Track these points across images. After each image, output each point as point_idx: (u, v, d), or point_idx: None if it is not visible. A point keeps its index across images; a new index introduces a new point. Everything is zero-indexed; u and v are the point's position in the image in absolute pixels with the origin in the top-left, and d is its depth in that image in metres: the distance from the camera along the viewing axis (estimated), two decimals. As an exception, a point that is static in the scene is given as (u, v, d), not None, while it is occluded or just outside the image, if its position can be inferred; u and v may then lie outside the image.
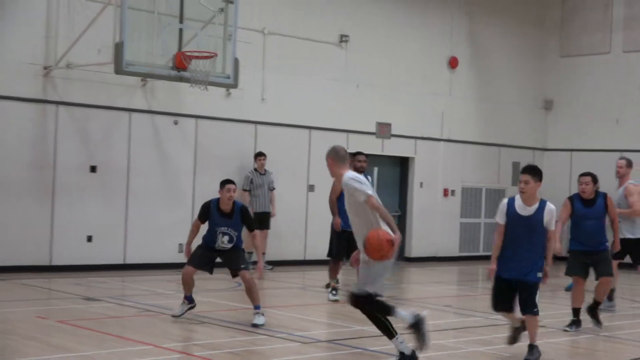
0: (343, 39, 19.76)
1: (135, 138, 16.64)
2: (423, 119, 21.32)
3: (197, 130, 17.36)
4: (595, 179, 11.64)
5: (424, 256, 21.31)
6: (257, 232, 11.35)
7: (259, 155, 17.36)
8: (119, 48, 14.41)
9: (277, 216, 17.52)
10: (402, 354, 8.18)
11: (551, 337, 10.52)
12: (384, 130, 20.48)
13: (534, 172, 9.12)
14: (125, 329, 10.28)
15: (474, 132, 22.48)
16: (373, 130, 20.31)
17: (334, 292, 13.31)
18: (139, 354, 8.78)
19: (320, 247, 15.63)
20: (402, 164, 21.39)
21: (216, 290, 13.86)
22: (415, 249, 21.29)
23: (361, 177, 8.65)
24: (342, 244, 13.23)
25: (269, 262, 17.23)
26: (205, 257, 11.01)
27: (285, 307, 12.57)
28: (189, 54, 15.08)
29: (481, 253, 22.45)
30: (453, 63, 21.91)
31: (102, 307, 11.98)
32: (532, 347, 9.01)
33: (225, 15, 15.66)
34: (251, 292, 10.68)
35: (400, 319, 8.25)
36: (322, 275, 15.21)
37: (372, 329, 10.83)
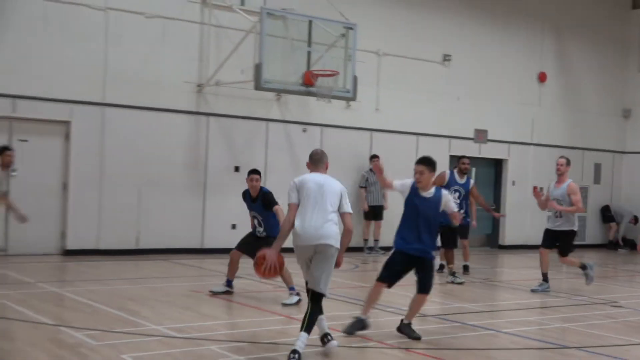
0: (446, 57, 19.63)
1: (271, 143, 16.94)
2: (515, 125, 21.00)
3: (322, 136, 17.56)
4: None
5: (516, 244, 21.01)
6: (277, 207, 10.48)
7: (374, 157, 17.40)
8: (258, 68, 14.68)
9: (390, 209, 17.51)
10: (295, 351, 7.11)
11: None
12: (481, 136, 20.28)
13: (427, 162, 8.56)
14: (261, 302, 10.51)
15: (560, 137, 22.00)
16: (471, 136, 20.14)
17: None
18: (273, 323, 8.99)
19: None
20: (497, 165, 21.12)
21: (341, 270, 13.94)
22: (508, 238, 21.02)
23: (300, 181, 7.69)
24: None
25: (382, 248, 17.28)
26: (249, 244, 10.65)
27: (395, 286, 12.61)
28: (315, 72, 15.21)
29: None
30: (542, 77, 21.51)
31: (242, 283, 12.26)
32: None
33: (346, 40, 15.72)
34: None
35: (317, 326, 7.60)
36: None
37: (471, 305, 10.84)
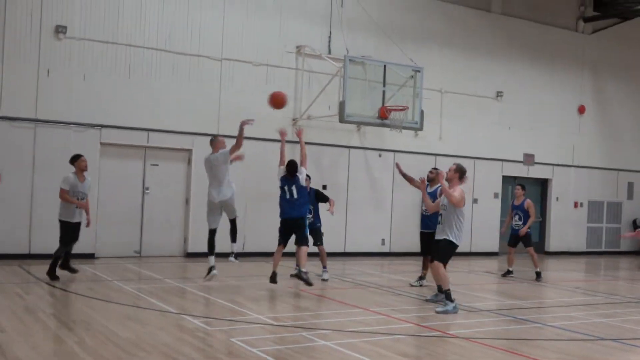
0: (499, 94, 19.26)
1: (353, 166, 16.92)
2: (558, 150, 20.39)
3: (394, 160, 17.42)
4: None
5: (559, 251, 20.33)
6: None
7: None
8: (342, 105, 14.73)
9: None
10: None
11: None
12: (529, 159, 19.76)
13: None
14: (344, 297, 10.47)
15: (598, 160, 21.24)
16: (521, 159, 19.65)
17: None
18: (353, 314, 8.92)
19: (484, 242, 15.31)
20: (543, 184, 20.53)
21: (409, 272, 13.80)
22: (553, 245, 20.36)
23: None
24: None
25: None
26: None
27: (456, 286, 12.36)
28: (389, 107, 15.19)
29: (603, 249, 21.20)
30: (581, 110, 20.84)
31: (329, 281, 12.25)
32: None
33: (414, 80, 15.66)
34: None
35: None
36: (484, 263, 14.85)
37: (521, 302, 10.51)
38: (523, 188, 13.97)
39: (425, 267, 11.69)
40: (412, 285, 11.63)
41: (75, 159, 10.89)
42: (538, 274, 13.57)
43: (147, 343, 6.89)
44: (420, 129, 15.96)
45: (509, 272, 13.78)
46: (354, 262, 15.54)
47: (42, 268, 12.03)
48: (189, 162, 15.16)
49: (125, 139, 14.38)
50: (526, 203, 13.75)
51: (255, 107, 15.61)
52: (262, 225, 15.66)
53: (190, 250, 15.05)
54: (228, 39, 15.44)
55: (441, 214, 9.42)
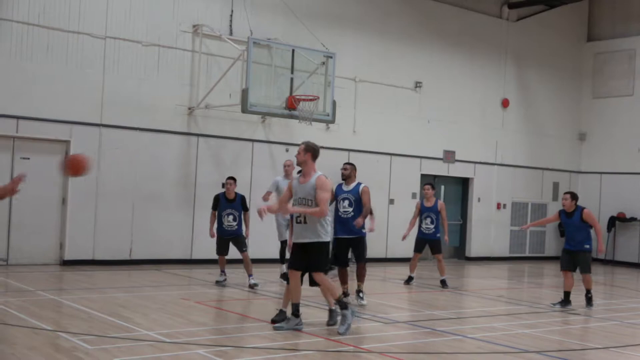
0: (417, 84, 19.71)
1: (256, 162, 16.90)
2: (480, 147, 21.09)
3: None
4: (574, 196, 11.98)
5: (481, 256, 21.05)
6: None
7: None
8: (244, 93, 14.68)
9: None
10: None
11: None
12: (449, 156, 20.35)
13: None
14: (246, 309, 10.40)
15: (522, 158, 22.12)
16: (441, 156, 20.21)
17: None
18: (256, 329, 8.88)
19: (400, 247, 15.66)
20: (464, 183, 21.17)
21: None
22: (474, 250, 21.04)
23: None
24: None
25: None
26: (223, 244, 12.94)
27: (369, 295, 12.57)
28: (297, 97, 15.23)
29: (527, 254, 22.11)
30: (505, 103, 21.64)
31: (228, 291, 12.18)
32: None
33: (326, 67, 15.78)
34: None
35: None
36: (401, 270, 15.18)
37: (440, 312, 10.81)
38: (433, 187, 14.31)
39: (344, 281, 10.98)
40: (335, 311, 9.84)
41: None
42: (444, 282, 13.92)
43: (15, 366, 6.65)
44: (332, 121, 16.11)
45: (410, 279, 14.09)
46: (257, 269, 15.51)
47: None
48: (67, 155, 14.71)
49: (-10, 127, 13.80)
50: (439, 204, 14.11)
51: (144, 93, 15.40)
52: (150, 229, 15.42)
53: (67, 257, 14.61)
54: (113, 14, 15.08)
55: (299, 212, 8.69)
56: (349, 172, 11.23)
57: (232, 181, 12.89)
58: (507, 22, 21.68)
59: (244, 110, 14.80)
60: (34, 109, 14.19)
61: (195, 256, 15.94)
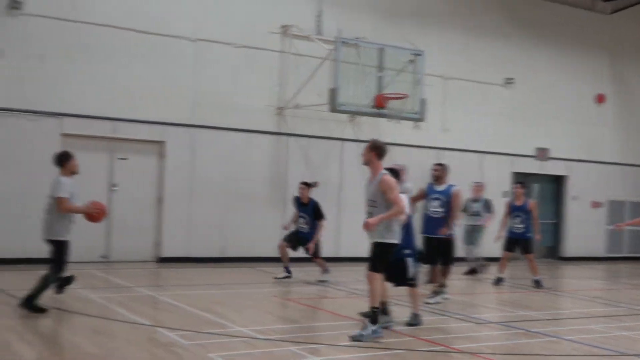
0: (508, 80, 19.35)
1: (345, 160, 16.93)
2: (575, 144, 20.51)
3: (390, 155, 17.39)
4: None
5: (576, 256, 20.47)
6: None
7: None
8: (333, 92, 14.73)
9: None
10: None
11: None
12: (542, 154, 19.88)
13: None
14: (338, 307, 10.48)
15: (619, 154, 21.40)
16: (533, 154, 19.75)
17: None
18: (347, 327, 8.90)
19: (489, 245, 15.42)
20: (558, 181, 20.64)
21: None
22: (569, 249, 20.50)
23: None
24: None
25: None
26: (292, 239, 13.03)
27: (459, 295, 12.39)
28: (386, 95, 15.19)
29: (625, 254, 21.36)
30: (600, 98, 20.98)
31: (319, 289, 12.26)
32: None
33: (415, 65, 15.69)
34: None
35: None
36: (492, 270, 14.93)
37: (535, 313, 10.58)
38: (523, 186, 14.03)
39: (434, 279, 11.24)
40: (427, 303, 10.62)
41: (68, 159, 9.14)
42: (537, 282, 13.57)
43: (116, 359, 6.88)
44: (421, 119, 15.98)
45: (499, 280, 13.78)
46: (348, 268, 15.55)
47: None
48: (162, 155, 15.12)
49: (89, 129, 14.32)
50: (530, 204, 13.79)
51: (234, 94, 15.66)
52: (243, 227, 15.67)
53: (163, 255, 15.03)
54: (204, 17, 15.42)
55: (370, 212, 8.30)
56: (439, 173, 11.22)
57: (303, 186, 12.92)
58: (601, 15, 21.00)
59: (333, 109, 14.86)
60: (130, 111, 14.65)
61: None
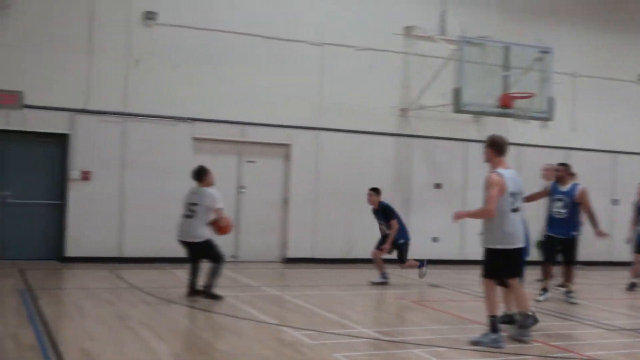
0: (642, 77, 18.50)
1: (470, 162, 16.65)
2: None
3: (518, 155, 16.98)
4: None
5: None
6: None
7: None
8: (457, 92, 14.54)
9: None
10: None
11: None
12: (681, 152, 18.80)
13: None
14: (462, 310, 10.35)
15: None
16: (671, 152, 18.74)
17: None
18: (472, 331, 8.79)
19: (623, 250, 14.74)
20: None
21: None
22: None
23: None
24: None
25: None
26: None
27: (589, 300, 11.93)
28: (512, 95, 14.86)
29: None
30: None
31: (443, 292, 12.17)
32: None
33: (542, 63, 15.25)
34: None
35: None
36: (626, 274, 14.27)
37: (670, 321, 10.02)
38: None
39: (546, 276, 11.28)
40: (538, 301, 10.99)
41: (206, 173, 10.37)
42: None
43: (244, 356, 7.07)
44: (550, 118, 15.53)
45: (633, 286, 13.06)
46: (472, 271, 15.30)
47: (133, 273, 12.59)
48: (288, 158, 15.42)
49: (219, 133, 14.80)
50: None
51: (358, 96, 15.74)
52: (367, 229, 15.71)
53: (289, 255, 15.31)
54: (328, 21, 15.59)
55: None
56: (561, 174, 11.07)
57: (371, 192, 12.75)
58: None
59: (457, 110, 14.67)
60: (258, 115, 15.01)
61: (411, 256, 15.98)
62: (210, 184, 10.30)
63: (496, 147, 8.07)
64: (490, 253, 7.96)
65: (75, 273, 12.79)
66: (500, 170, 7.92)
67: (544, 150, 17.12)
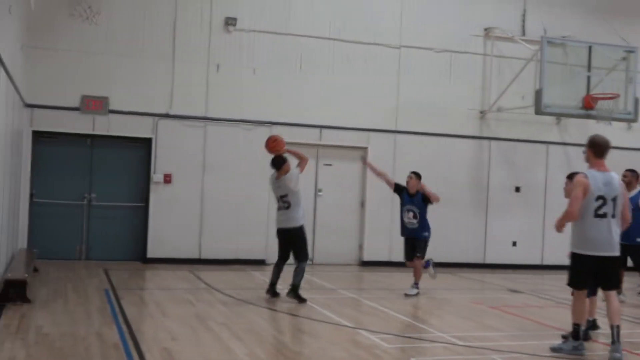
0: None
1: (551, 165, 16.30)
2: None
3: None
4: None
5: None
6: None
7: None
8: (538, 94, 14.26)
9: None
10: None
11: None
12: None
13: None
14: (542, 317, 10.12)
15: None
16: None
17: None
18: (553, 338, 8.60)
19: None
20: None
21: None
22: None
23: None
24: None
25: None
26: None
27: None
28: (595, 96, 14.49)
29: None
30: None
31: (523, 297, 11.94)
32: None
33: (627, 62, 14.79)
34: None
35: None
36: None
37: None
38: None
39: None
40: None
41: (285, 162, 10.46)
42: None
43: (319, 358, 7.11)
44: (635, 120, 15.06)
45: None
46: (552, 276, 14.97)
47: (212, 274, 12.82)
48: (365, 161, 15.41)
49: (296, 136, 14.89)
50: None
51: (436, 99, 15.61)
52: (444, 232, 15.56)
53: (365, 258, 15.30)
54: (407, 23, 15.51)
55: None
56: (628, 179, 11.00)
57: (412, 175, 11.58)
58: None
59: (538, 111, 14.37)
60: (335, 118, 15.06)
61: (488, 260, 15.81)
62: (286, 172, 10.44)
63: (595, 148, 7.61)
64: (572, 257, 7.70)
65: (156, 273, 13.12)
66: (591, 171, 7.49)
67: (629, 152, 16.56)
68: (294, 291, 10.24)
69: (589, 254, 7.46)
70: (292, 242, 10.46)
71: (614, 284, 7.64)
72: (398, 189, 11.83)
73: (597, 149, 7.59)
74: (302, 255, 10.44)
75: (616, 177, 7.52)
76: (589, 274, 7.56)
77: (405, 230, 11.71)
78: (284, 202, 10.41)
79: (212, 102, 14.45)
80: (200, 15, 14.43)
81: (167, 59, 14.18)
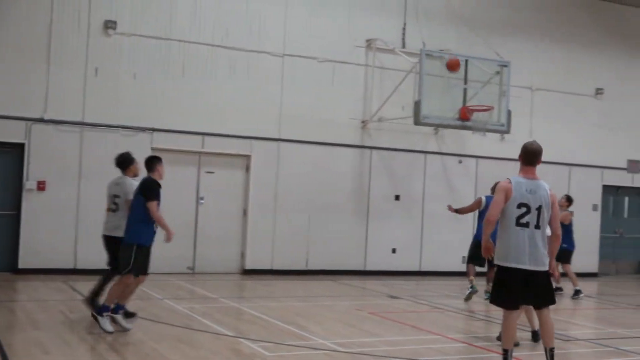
0: (598, 91, 18.78)
1: (429, 174, 16.75)
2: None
3: (477, 167, 17.21)
4: None
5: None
6: None
7: None
8: (417, 105, 14.62)
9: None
10: None
11: None
12: (634, 166, 19.11)
13: None
14: (420, 321, 10.35)
15: None
16: (624, 166, 19.03)
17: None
18: (430, 342, 8.81)
19: (581, 260, 14.87)
20: (651, 194, 19.85)
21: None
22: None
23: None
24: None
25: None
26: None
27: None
28: (471, 108, 14.99)
29: None
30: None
31: (402, 303, 12.19)
32: None
33: (500, 77, 15.42)
34: None
35: None
36: (586, 285, 14.44)
37: (624, 331, 10.16)
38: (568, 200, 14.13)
39: None
40: None
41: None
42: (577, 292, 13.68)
43: (199, 369, 6.97)
44: (507, 131, 15.69)
45: None
46: (429, 282, 15.37)
47: (88, 285, 12.34)
48: (247, 169, 15.33)
49: (179, 143, 14.65)
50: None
51: (319, 108, 15.74)
52: (326, 240, 15.69)
53: (248, 267, 15.20)
54: (291, 32, 15.57)
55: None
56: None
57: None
58: (699, 21, 20.13)
59: (417, 122, 14.74)
60: (218, 125, 14.91)
61: (369, 267, 16.04)
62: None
63: (523, 155, 7.10)
64: (496, 271, 7.03)
65: (28, 284, 12.52)
66: (516, 177, 7.01)
67: (502, 162, 17.26)
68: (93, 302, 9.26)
69: (511, 266, 6.82)
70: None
71: (546, 300, 7.00)
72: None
73: (525, 155, 7.07)
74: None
75: (545, 186, 6.96)
76: (514, 290, 6.85)
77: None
78: (114, 203, 9.46)
79: (89, 106, 13.98)
80: (78, 17, 13.94)
81: (41, 61, 13.61)
